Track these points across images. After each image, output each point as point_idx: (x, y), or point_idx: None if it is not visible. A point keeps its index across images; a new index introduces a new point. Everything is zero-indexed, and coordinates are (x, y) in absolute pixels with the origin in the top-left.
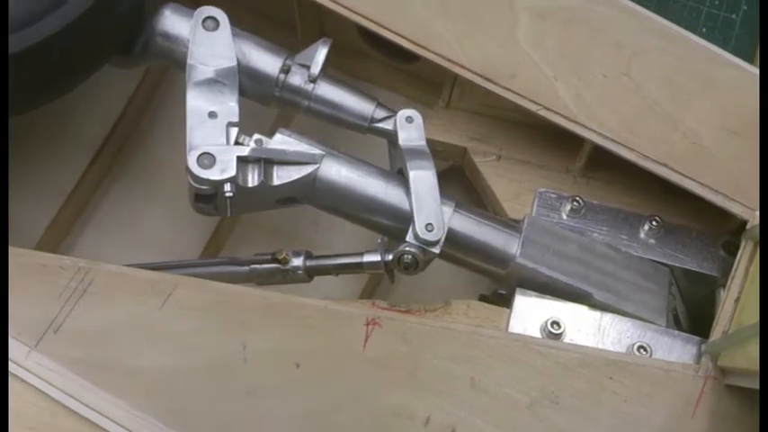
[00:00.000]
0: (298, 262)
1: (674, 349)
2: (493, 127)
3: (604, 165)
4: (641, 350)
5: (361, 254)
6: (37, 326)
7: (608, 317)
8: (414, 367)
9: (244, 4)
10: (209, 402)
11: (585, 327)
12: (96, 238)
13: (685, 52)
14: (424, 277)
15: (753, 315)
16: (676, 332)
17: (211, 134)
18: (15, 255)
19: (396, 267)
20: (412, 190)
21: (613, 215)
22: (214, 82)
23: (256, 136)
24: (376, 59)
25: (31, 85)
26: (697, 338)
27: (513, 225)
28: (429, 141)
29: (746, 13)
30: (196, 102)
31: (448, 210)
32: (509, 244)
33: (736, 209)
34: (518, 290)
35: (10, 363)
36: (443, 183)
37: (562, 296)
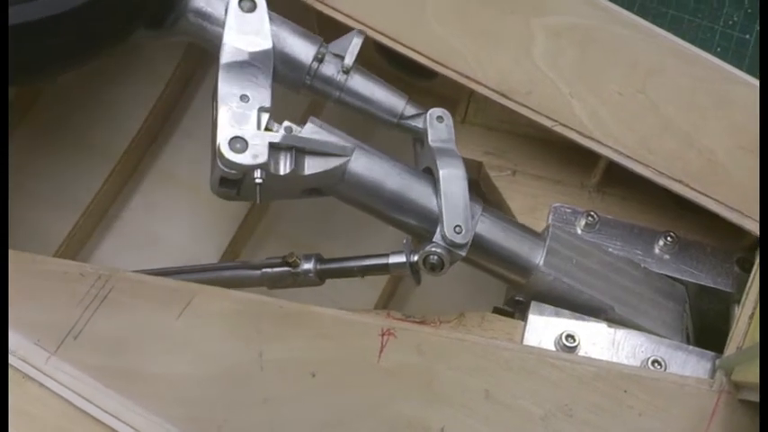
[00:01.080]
0: (308, 265)
1: (689, 364)
2: (508, 142)
3: (619, 181)
4: (656, 364)
5: (387, 255)
6: (57, 332)
7: (622, 331)
8: (428, 378)
9: None
10: (226, 410)
11: (600, 341)
12: (115, 248)
13: (701, 71)
14: (439, 289)
15: None
16: (690, 347)
17: (242, 118)
18: (36, 262)
19: (422, 268)
20: (441, 190)
21: (628, 230)
22: (248, 65)
23: (286, 123)
24: (392, 76)
25: (63, 51)
26: (711, 354)
27: (537, 234)
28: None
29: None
30: (228, 84)
31: (475, 213)
32: (533, 252)
33: (750, 225)
34: (533, 303)
35: (29, 367)
36: None
37: (580, 309)
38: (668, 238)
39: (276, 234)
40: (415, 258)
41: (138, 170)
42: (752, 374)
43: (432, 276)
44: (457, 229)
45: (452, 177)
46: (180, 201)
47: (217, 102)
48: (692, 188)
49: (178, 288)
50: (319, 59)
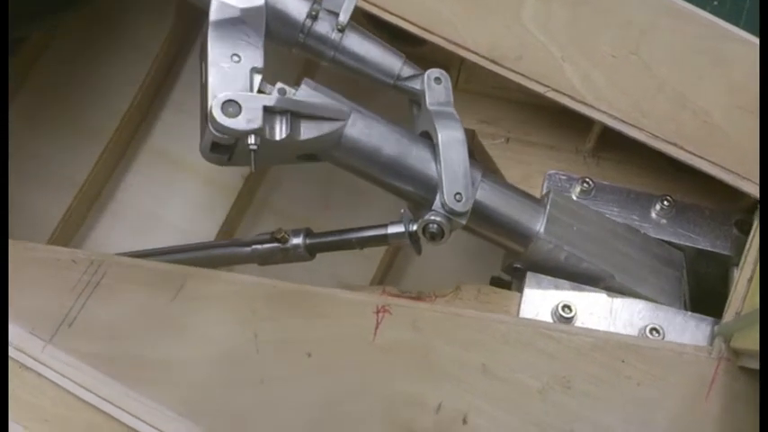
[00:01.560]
0: (297, 240)
1: (687, 331)
2: (501, 109)
3: (615, 145)
4: (654, 332)
5: (386, 225)
6: (51, 320)
7: (619, 300)
8: (425, 354)
9: None
10: (223, 392)
11: (597, 310)
12: (110, 228)
13: (695, 29)
14: (436, 259)
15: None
16: (689, 313)
17: (234, 79)
18: (28, 249)
19: (421, 237)
20: (441, 156)
21: (624, 195)
22: (239, 22)
23: (279, 85)
24: None
25: None
26: (710, 319)
27: (537, 200)
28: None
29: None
30: (218, 43)
31: (475, 179)
32: (533, 219)
33: (748, 188)
34: (529, 275)
35: (26, 357)
36: None
37: (579, 277)
38: (665, 203)
39: (272, 208)
40: (414, 228)
41: (130, 148)
42: (751, 341)
43: (432, 246)
44: (457, 196)
45: (452, 142)
46: (174, 178)
47: (206, 62)
48: (686, 150)
49: (171, 271)
50: (313, 16)
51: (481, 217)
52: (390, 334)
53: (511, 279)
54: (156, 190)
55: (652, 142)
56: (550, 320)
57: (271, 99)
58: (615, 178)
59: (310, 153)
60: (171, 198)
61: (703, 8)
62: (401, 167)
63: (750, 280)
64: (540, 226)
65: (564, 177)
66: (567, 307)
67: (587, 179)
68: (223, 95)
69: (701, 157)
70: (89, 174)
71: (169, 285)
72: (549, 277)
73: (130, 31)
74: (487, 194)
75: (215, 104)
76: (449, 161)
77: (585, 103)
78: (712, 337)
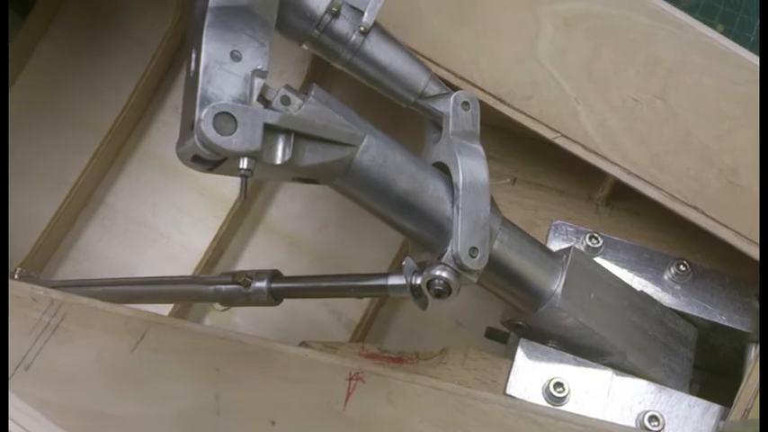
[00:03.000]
0: (260, 284)
1: (690, 420)
2: (509, 144)
3: (631, 195)
4: (653, 421)
5: (386, 275)
6: (9, 361)
7: (619, 378)
8: (397, 431)
9: None
10: None
11: (594, 388)
12: (99, 234)
13: (730, 71)
14: None
15: None
16: (694, 399)
17: (230, 82)
18: None
19: (425, 293)
20: (460, 202)
21: (636, 254)
22: (245, 12)
23: (283, 91)
24: None
25: None
26: (717, 408)
27: (555, 256)
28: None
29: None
30: (216, 35)
31: (494, 231)
32: (550, 280)
33: None
34: (521, 342)
35: None
36: None
37: (583, 350)
38: (681, 267)
39: (267, 225)
40: (419, 281)
41: (124, 149)
42: None
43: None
44: (473, 252)
45: (475, 187)
46: (167, 185)
47: (199, 56)
48: (708, 216)
49: (133, 318)
50: (334, 12)
51: (493, 270)
52: (362, 405)
53: (508, 334)
54: (149, 197)
55: (670, 204)
56: (540, 397)
57: (273, 116)
58: (629, 231)
59: (309, 178)
60: (163, 206)
61: None
62: (412, 207)
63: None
64: (556, 287)
65: (571, 230)
66: (559, 385)
67: (596, 234)
68: (216, 105)
69: (724, 226)
70: (81, 174)
71: (130, 333)
72: (544, 347)
73: (129, 25)
74: (504, 247)
75: (206, 116)
76: (468, 209)
77: (598, 154)
78: (716, 429)
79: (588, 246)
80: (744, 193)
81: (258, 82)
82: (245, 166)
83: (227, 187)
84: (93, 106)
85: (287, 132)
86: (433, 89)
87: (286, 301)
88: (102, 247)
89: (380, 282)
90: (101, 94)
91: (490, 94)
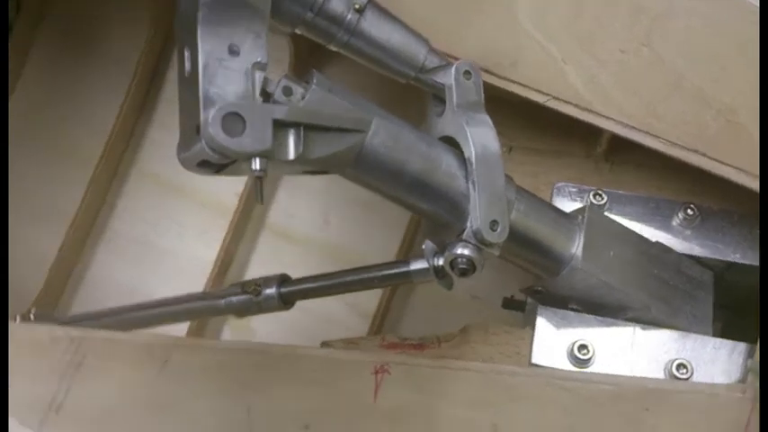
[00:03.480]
0: (270, 291)
1: (718, 362)
2: (501, 113)
3: (629, 147)
4: (681, 369)
5: (407, 262)
6: (38, 407)
7: (642, 331)
8: (429, 417)
9: None
10: None
11: (617, 345)
12: (108, 259)
13: (717, 10)
14: None
15: None
16: (719, 341)
17: (231, 79)
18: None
19: (449, 273)
20: (475, 175)
21: (642, 205)
22: (238, 3)
23: (284, 81)
24: None
25: None
26: (742, 346)
27: (570, 218)
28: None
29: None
30: (212, 30)
31: (510, 201)
32: (568, 243)
33: None
34: (539, 310)
35: None
36: None
37: (604, 308)
38: (689, 211)
39: (271, 227)
40: (441, 262)
41: (119, 172)
42: None
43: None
44: (493, 225)
45: (488, 158)
46: (166, 202)
47: (194, 54)
48: (710, 158)
49: (154, 343)
50: None
51: (513, 241)
52: (392, 396)
53: (525, 299)
54: (150, 215)
55: (670, 150)
56: (566, 362)
57: (281, 110)
58: (632, 184)
59: (319, 170)
60: (165, 223)
61: None
62: (427, 186)
63: None
64: (575, 250)
65: (574, 190)
66: (583, 347)
67: (600, 191)
68: (223, 107)
69: (728, 165)
70: (80, 203)
71: (153, 359)
72: (563, 311)
73: (106, 46)
74: (521, 216)
75: (213, 119)
76: (484, 182)
77: (592, 111)
78: (746, 369)
79: (593, 203)
80: (743, 131)
81: (259, 75)
82: (258, 167)
83: (226, 195)
84: (82, 134)
85: (296, 126)
86: (433, 61)
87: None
88: (112, 273)
89: (402, 269)
90: (87, 120)
91: None
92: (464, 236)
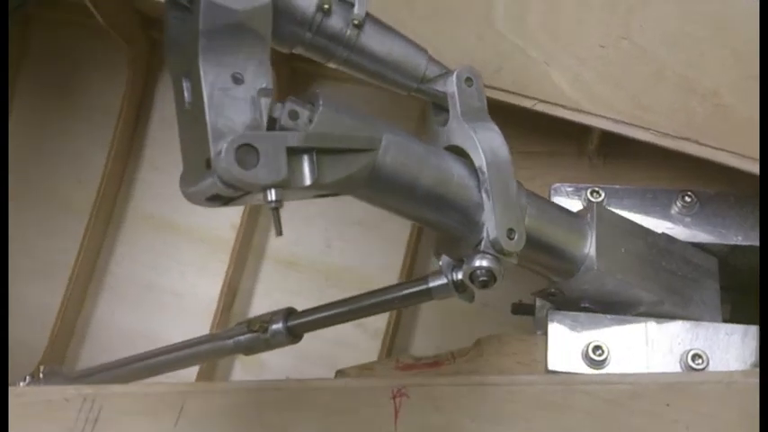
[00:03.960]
0: (277, 326)
1: (732, 347)
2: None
3: (621, 139)
4: (696, 359)
5: (425, 279)
6: None
7: (654, 324)
8: None
9: None
10: None
11: (631, 342)
12: (111, 306)
13: None
14: None
15: None
16: (731, 326)
17: (239, 109)
18: (16, 395)
19: (470, 286)
20: (488, 185)
21: (640, 197)
22: (239, 29)
23: (289, 104)
24: None
25: None
26: (754, 329)
27: (579, 218)
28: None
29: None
30: (214, 59)
31: (522, 207)
32: (581, 243)
33: None
34: (550, 315)
35: None
36: None
37: (616, 306)
38: (686, 198)
39: (272, 256)
40: (460, 276)
41: (113, 220)
42: None
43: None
44: (510, 234)
45: (499, 167)
46: (164, 242)
47: (198, 86)
48: (701, 144)
49: (167, 393)
50: (325, 10)
51: (529, 247)
52: (412, 420)
53: (534, 303)
54: (149, 257)
55: (661, 141)
56: (582, 365)
57: (294, 136)
58: (627, 177)
59: (332, 193)
60: (166, 263)
61: None
62: (441, 198)
63: None
64: (588, 250)
65: (570, 189)
66: (597, 348)
67: (596, 188)
68: (235, 139)
69: (720, 149)
70: (78, 254)
71: (169, 409)
72: (574, 314)
73: (86, 94)
74: (534, 221)
75: (227, 152)
76: (497, 190)
77: (580, 110)
78: (759, 351)
79: (590, 201)
80: (730, 112)
81: (265, 102)
82: (273, 198)
83: (223, 228)
84: (74, 184)
85: (308, 151)
86: (434, 70)
87: None
88: (117, 319)
89: (422, 287)
90: (77, 170)
91: None
92: (482, 247)
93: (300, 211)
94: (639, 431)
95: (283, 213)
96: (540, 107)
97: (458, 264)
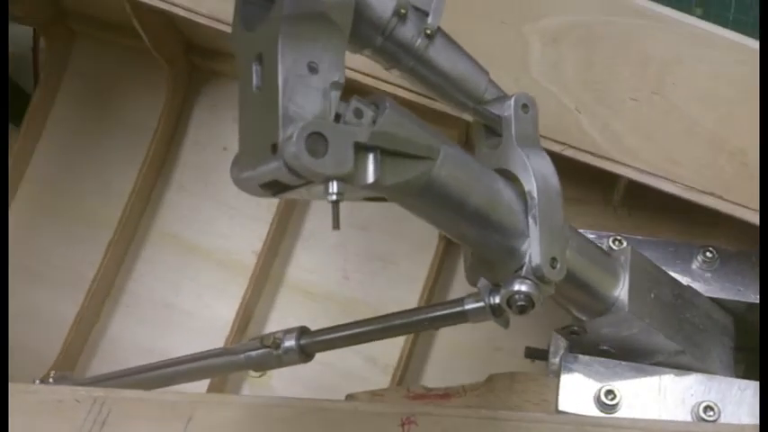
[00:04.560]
0: (290, 343)
1: (744, 402)
2: None
3: (647, 190)
4: (708, 411)
5: (461, 301)
6: None
7: (668, 375)
8: None
9: None
10: None
11: (644, 390)
12: (126, 321)
13: (720, 55)
14: None
15: None
16: (744, 382)
17: (311, 98)
18: (29, 392)
19: (507, 310)
20: (537, 211)
21: (662, 249)
22: (320, 19)
23: (355, 102)
24: None
25: None
26: None
27: (612, 258)
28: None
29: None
30: (293, 46)
31: (565, 237)
32: (613, 284)
33: None
34: (564, 357)
35: None
36: None
37: (634, 352)
38: (707, 254)
39: (289, 284)
40: (497, 300)
41: (137, 235)
42: None
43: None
44: (553, 263)
45: (549, 196)
46: (185, 263)
47: (273, 70)
48: (726, 200)
49: (177, 401)
50: (401, 15)
51: (566, 280)
52: None
53: (547, 348)
54: (168, 277)
55: (687, 195)
56: (593, 408)
57: (363, 132)
58: (650, 228)
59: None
60: (184, 284)
61: None
62: (488, 219)
63: None
64: (619, 291)
65: (593, 236)
66: (610, 392)
67: (618, 237)
68: (306, 126)
69: (744, 207)
70: (98, 267)
71: (178, 418)
72: (588, 357)
73: (123, 112)
74: (575, 254)
75: (297, 137)
76: (545, 217)
77: (609, 159)
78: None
79: (612, 249)
80: (756, 172)
81: (335, 95)
82: (335, 190)
83: (244, 254)
84: (101, 198)
85: (373, 149)
86: (492, 92)
87: (321, 356)
88: (131, 335)
89: (457, 309)
90: (106, 184)
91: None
92: (523, 272)
93: (320, 242)
94: None
95: (303, 243)
96: (568, 152)
97: (495, 288)
